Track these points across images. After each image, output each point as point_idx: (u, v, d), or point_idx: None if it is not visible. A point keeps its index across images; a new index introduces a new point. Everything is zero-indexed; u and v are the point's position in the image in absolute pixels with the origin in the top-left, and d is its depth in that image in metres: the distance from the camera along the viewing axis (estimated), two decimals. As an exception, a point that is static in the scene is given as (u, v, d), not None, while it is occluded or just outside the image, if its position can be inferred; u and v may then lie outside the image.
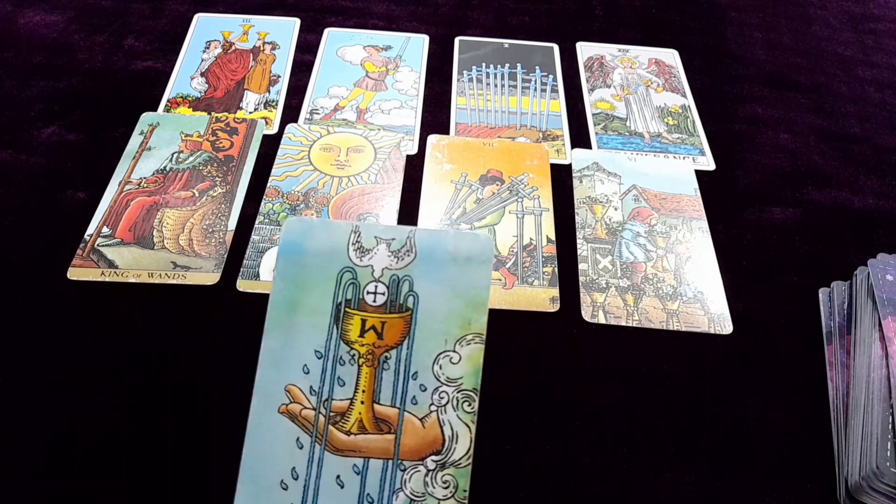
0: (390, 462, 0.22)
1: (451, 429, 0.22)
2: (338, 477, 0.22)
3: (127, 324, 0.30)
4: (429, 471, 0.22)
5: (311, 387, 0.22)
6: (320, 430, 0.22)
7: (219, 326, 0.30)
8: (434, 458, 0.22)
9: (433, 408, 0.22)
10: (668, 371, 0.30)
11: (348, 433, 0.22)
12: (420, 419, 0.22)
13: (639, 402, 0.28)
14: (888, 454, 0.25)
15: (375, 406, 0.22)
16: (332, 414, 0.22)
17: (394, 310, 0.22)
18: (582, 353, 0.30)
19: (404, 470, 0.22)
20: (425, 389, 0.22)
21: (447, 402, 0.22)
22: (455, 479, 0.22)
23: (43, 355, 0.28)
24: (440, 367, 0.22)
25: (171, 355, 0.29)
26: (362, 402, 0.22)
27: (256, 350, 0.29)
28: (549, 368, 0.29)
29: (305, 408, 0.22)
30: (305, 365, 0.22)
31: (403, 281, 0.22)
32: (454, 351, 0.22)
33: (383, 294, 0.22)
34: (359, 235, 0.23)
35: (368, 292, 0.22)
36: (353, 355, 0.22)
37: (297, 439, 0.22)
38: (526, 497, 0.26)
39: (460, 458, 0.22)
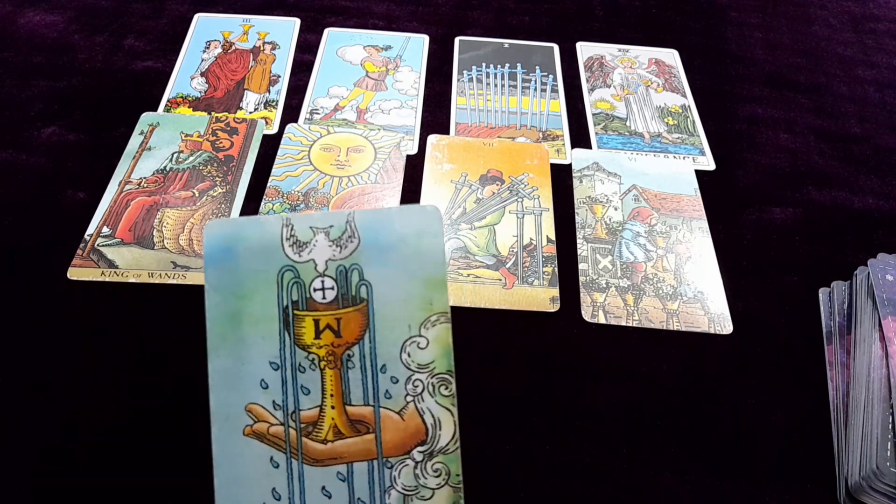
0: (375, 462, 0.21)
1: (433, 416, 0.21)
2: (323, 488, 0.20)
3: (127, 324, 0.30)
4: (417, 462, 0.21)
5: (273, 402, 0.20)
6: (293, 444, 0.20)
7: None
8: (420, 448, 0.21)
9: (409, 398, 0.21)
10: (667, 371, 0.30)
11: (324, 441, 0.20)
12: (398, 412, 0.21)
13: (639, 402, 0.28)
14: (888, 454, 0.25)
15: (348, 408, 0.21)
16: (302, 426, 0.20)
17: (347, 303, 0.20)
18: (582, 353, 0.30)
19: (391, 467, 0.21)
20: (397, 381, 0.21)
21: (423, 390, 0.21)
22: (446, 465, 0.21)
23: (43, 355, 0.28)
24: (408, 355, 0.21)
25: (171, 355, 0.29)
26: (333, 407, 0.20)
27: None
28: (549, 368, 0.29)
29: (272, 424, 0.20)
30: (263, 380, 0.20)
31: (352, 270, 0.20)
32: (420, 335, 0.21)
33: (332, 289, 0.20)
34: (292, 228, 0.20)
35: (315, 289, 0.20)
36: (313, 360, 0.20)
37: (272, 458, 0.20)
38: (526, 497, 0.26)
39: (447, 444, 0.21)
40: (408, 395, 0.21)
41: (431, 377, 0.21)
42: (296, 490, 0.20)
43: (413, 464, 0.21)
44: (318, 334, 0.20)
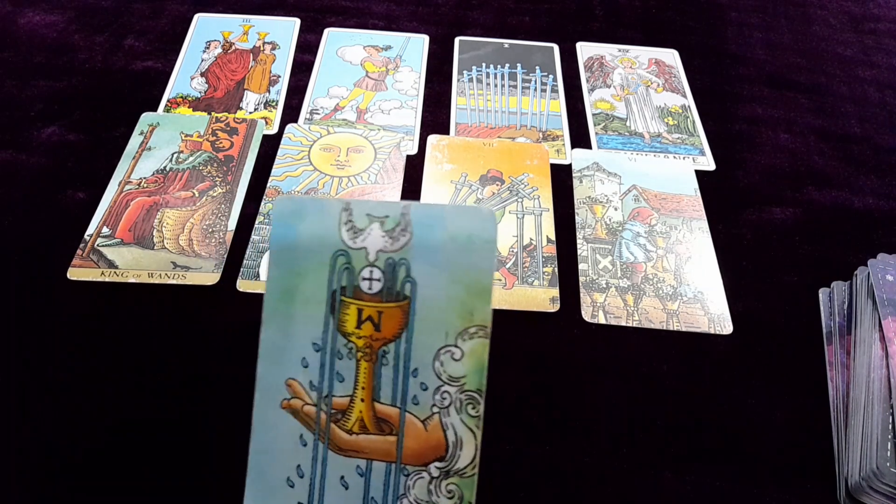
0: (393, 465, 0.21)
1: (455, 434, 0.20)
2: (342, 477, 0.21)
3: (127, 324, 0.30)
4: (432, 478, 0.20)
5: (310, 381, 0.20)
6: (322, 427, 0.21)
7: (219, 327, 0.30)
8: (438, 464, 0.20)
9: (435, 409, 0.20)
10: (667, 371, 0.30)
11: (350, 432, 0.21)
12: (422, 421, 0.20)
13: (639, 403, 0.28)
14: (888, 454, 0.25)
15: (376, 404, 0.21)
16: (333, 411, 0.21)
17: (391, 298, 0.20)
18: (582, 353, 0.30)
19: (408, 475, 0.21)
20: (426, 388, 0.20)
21: (450, 404, 0.20)
22: (460, 489, 0.20)
23: (43, 355, 0.28)
24: (441, 364, 0.20)
25: (170, 355, 0.29)
26: (362, 400, 0.20)
27: (257, 350, 0.29)
28: (549, 368, 0.29)
29: (307, 404, 0.21)
30: (304, 358, 0.20)
31: (400, 265, 0.20)
32: (456, 346, 0.20)
33: (379, 280, 0.20)
34: (350, 213, 0.20)
35: (364, 278, 0.20)
36: (351, 348, 0.20)
37: (301, 436, 0.21)
38: (526, 497, 0.26)
39: (465, 467, 0.20)
40: (434, 405, 0.20)
41: (461, 392, 0.20)
42: (318, 472, 0.21)
43: (428, 478, 0.21)
44: (359, 324, 0.20)
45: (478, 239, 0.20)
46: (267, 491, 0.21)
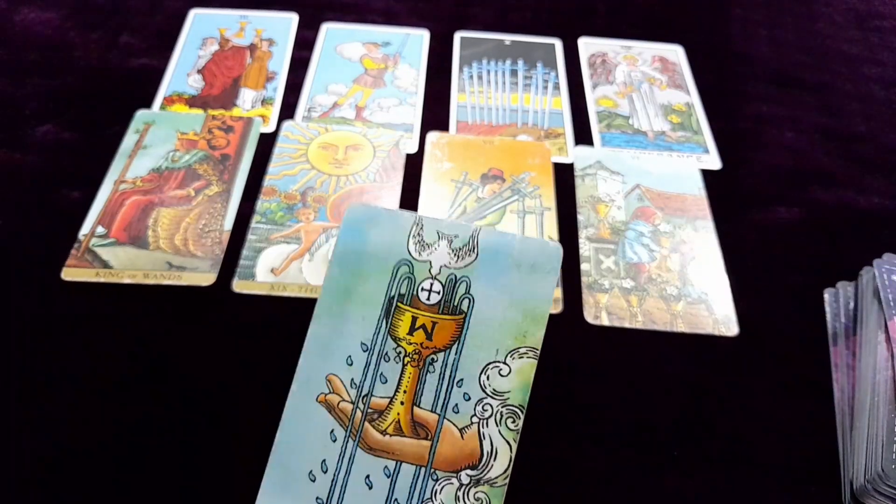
0: (423, 469, 0.21)
1: (491, 444, 0.21)
2: (367, 477, 0.21)
3: (122, 325, 0.29)
4: (462, 485, 0.21)
5: (352, 379, 0.21)
6: (356, 425, 0.21)
7: (215, 327, 0.29)
8: (469, 472, 0.21)
9: (475, 419, 0.21)
10: (672, 373, 0.29)
11: (384, 433, 0.21)
12: (460, 429, 0.21)
13: (642, 405, 0.28)
14: (893, 457, 0.25)
15: (415, 409, 0.21)
16: (369, 410, 0.21)
17: (447, 311, 0.21)
18: (585, 355, 0.30)
19: (437, 480, 0.21)
20: (469, 399, 0.21)
21: (490, 416, 0.21)
22: (488, 497, 0.21)
23: (37, 357, 0.28)
24: (488, 378, 0.21)
25: (166, 356, 0.28)
26: (402, 403, 0.21)
27: (254, 351, 0.29)
28: (552, 371, 0.29)
29: (343, 400, 0.21)
30: (350, 356, 0.21)
31: (461, 282, 0.21)
32: (504, 363, 0.21)
33: (438, 293, 0.21)
34: (421, 228, 0.22)
35: (423, 289, 0.21)
36: (399, 353, 0.21)
37: (332, 431, 0.21)
38: (528, 499, 0.25)
39: (497, 477, 0.21)
40: (475, 415, 0.21)
41: (503, 406, 0.21)
42: (342, 469, 0.21)
43: (458, 484, 0.21)
44: (411, 331, 0.21)
45: (541, 270, 0.21)
46: (286, 483, 0.21)
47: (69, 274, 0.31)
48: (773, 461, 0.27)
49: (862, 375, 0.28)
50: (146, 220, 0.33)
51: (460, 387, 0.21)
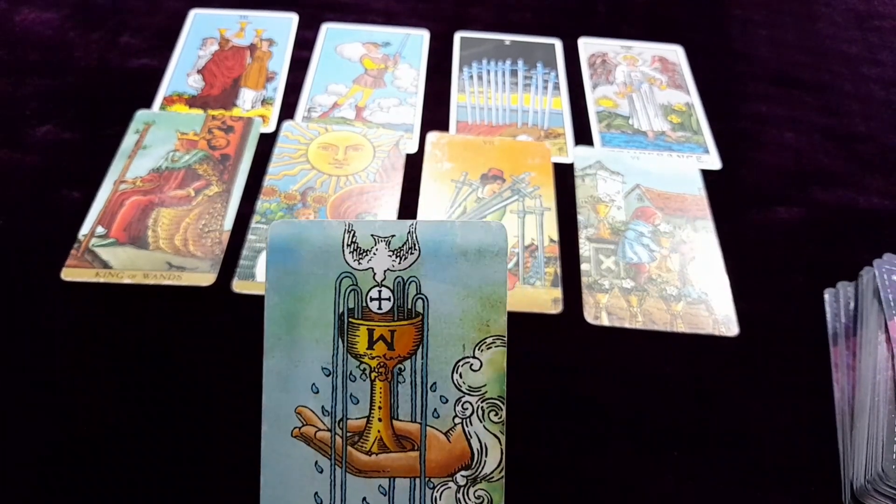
0: (417, 480, 0.20)
1: (479, 441, 0.20)
2: (364, 499, 0.20)
3: (122, 325, 0.29)
4: (459, 487, 0.20)
5: (322, 407, 0.20)
6: (339, 451, 0.20)
7: (214, 327, 0.29)
8: (464, 472, 0.20)
9: (457, 420, 0.20)
10: (671, 373, 0.29)
11: (369, 453, 0.20)
12: (444, 433, 0.20)
13: (642, 405, 0.28)
14: (894, 457, 0.25)
15: (394, 423, 0.20)
16: (349, 434, 0.20)
17: (402, 316, 0.20)
18: (585, 355, 0.30)
19: (433, 487, 0.20)
20: (446, 401, 0.20)
21: (472, 413, 0.20)
22: (489, 493, 0.20)
23: (36, 357, 0.28)
24: (460, 376, 0.20)
25: (166, 357, 0.28)
26: (380, 420, 0.20)
27: (253, 351, 0.29)
28: (551, 371, 0.29)
29: (320, 430, 0.20)
30: (314, 384, 0.20)
31: (409, 283, 0.20)
32: (474, 357, 0.20)
33: (388, 300, 0.20)
34: (353, 235, 0.20)
35: (372, 299, 0.20)
36: (364, 370, 0.20)
37: (316, 463, 0.20)
38: (527, 499, 0.25)
39: (492, 472, 0.20)
40: (456, 416, 0.20)
41: (482, 401, 0.20)
42: (337, 497, 0.20)
43: (455, 487, 0.20)
44: (371, 344, 0.20)
45: (488, 252, 0.20)
46: None
47: (69, 274, 0.31)
48: (773, 461, 0.27)
49: (862, 375, 0.28)
50: (146, 221, 0.33)
51: (434, 391, 0.20)
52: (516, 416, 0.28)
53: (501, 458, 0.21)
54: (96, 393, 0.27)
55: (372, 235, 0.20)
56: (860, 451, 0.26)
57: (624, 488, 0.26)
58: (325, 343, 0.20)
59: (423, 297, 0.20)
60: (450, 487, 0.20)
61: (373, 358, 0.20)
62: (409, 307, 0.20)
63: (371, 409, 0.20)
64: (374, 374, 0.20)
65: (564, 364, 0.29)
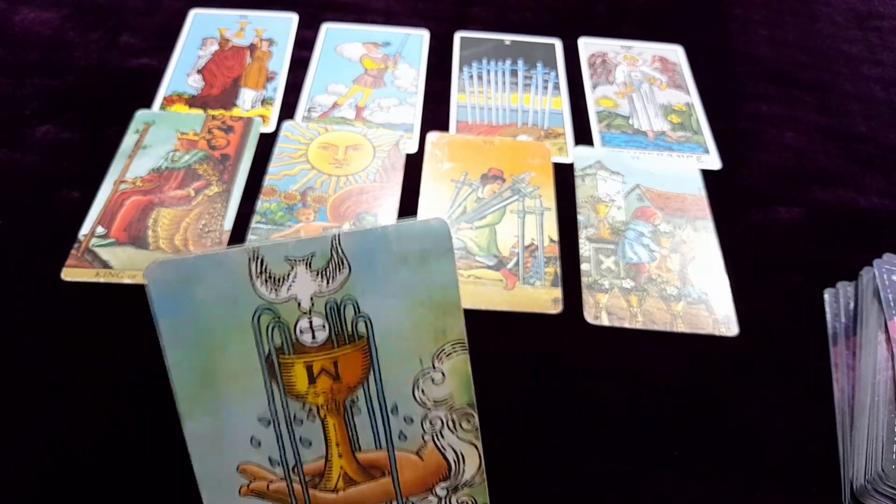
0: (395, 503, 0.19)
1: (454, 452, 0.19)
2: None
3: (122, 325, 0.29)
4: (440, 498, 0.19)
5: (269, 458, 0.18)
6: (299, 498, 0.18)
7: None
8: (443, 484, 0.19)
9: (427, 437, 0.19)
10: (671, 373, 0.29)
11: (335, 490, 0.18)
12: (416, 452, 0.19)
13: (642, 405, 0.28)
14: (893, 457, 0.25)
15: (358, 455, 0.18)
16: (307, 479, 0.18)
17: (343, 342, 0.18)
18: (585, 355, 0.30)
19: None
20: (411, 421, 0.18)
21: (442, 427, 0.19)
22: (472, 497, 0.20)
23: (37, 357, 0.28)
24: (423, 392, 0.18)
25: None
26: (340, 456, 0.18)
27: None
28: (551, 371, 0.29)
29: (272, 481, 0.18)
30: (252, 437, 0.18)
31: (344, 304, 0.17)
32: (434, 369, 0.18)
33: (323, 328, 0.17)
34: (261, 262, 0.17)
35: (302, 331, 0.17)
36: (311, 409, 0.18)
37: None
38: (527, 499, 0.25)
39: (472, 478, 0.19)
40: (425, 433, 0.19)
41: (451, 412, 0.19)
42: None
43: (436, 500, 0.19)
44: (312, 381, 0.18)
45: (432, 255, 0.17)
46: None
47: (69, 274, 0.31)
48: (773, 461, 0.27)
49: (862, 375, 0.28)
50: (146, 220, 0.33)
51: (396, 413, 0.18)
52: (516, 415, 0.28)
53: (480, 462, 0.19)
54: (96, 392, 0.27)
55: (286, 259, 0.17)
56: (860, 450, 0.26)
57: (624, 488, 0.26)
58: (256, 391, 0.17)
59: (363, 316, 0.18)
60: (431, 501, 0.19)
61: (317, 395, 0.18)
62: (350, 331, 0.18)
63: (327, 447, 0.18)
64: (322, 412, 0.18)
65: (564, 363, 0.29)
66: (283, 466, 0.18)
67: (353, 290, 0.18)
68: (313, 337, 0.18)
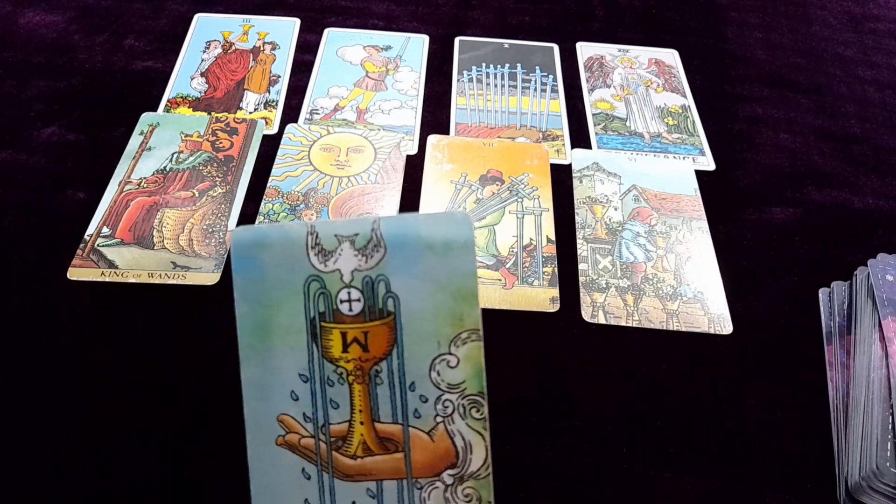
0: (405, 482, 0.20)
1: (463, 439, 0.20)
2: (353, 503, 0.20)
3: (127, 324, 0.30)
4: (447, 486, 0.20)
5: (304, 413, 0.20)
6: (324, 457, 0.20)
7: (219, 326, 0.30)
8: (450, 472, 0.20)
9: (438, 419, 0.20)
10: (667, 371, 0.30)
11: (354, 457, 0.20)
12: (427, 433, 0.20)
13: (638, 403, 0.28)
14: (888, 454, 0.25)
15: (376, 425, 0.20)
16: (332, 439, 0.20)
17: (374, 317, 0.20)
18: (582, 353, 0.30)
19: (421, 488, 0.20)
20: (426, 400, 0.20)
21: (453, 411, 0.20)
22: (477, 491, 0.20)
23: (43, 356, 0.28)
24: (438, 374, 0.20)
25: (170, 356, 0.29)
26: (361, 423, 0.20)
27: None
28: (549, 369, 0.29)
29: (303, 436, 0.20)
30: (293, 391, 0.20)
31: (378, 282, 0.19)
32: (450, 353, 0.20)
33: (359, 301, 0.19)
34: (317, 237, 0.19)
35: (342, 301, 0.19)
36: (341, 374, 0.20)
37: (303, 469, 0.20)
38: (525, 498, 0.26)
39: (478, 469, 0.20)
40: (437, 415, 0.20)
41: (462, 398, 0.20)
42: (327, 503, 0.20)
43: (443, 487, 0.20)
44: (345, 348, 0.20)
45: (455, 244, 0.19)
46: None
47: (75, 274, 0.31)
48: (769, 459, 0.27)
49: (856, 374, 0.28)
50: (151, 221, 0.34)
51: (414, 390, 0.20)
52: (515, 413, 0.28)
53: (487, 456, 0.20)
54: (102, 391, 0.27)
55: (335, 235, 0.20)
56: (855, 448, 0.26)
57: (619, 485, 0.26)
58: (300, 349, 0.20)
59: (393, 295, 0.20)
60: (437, 487, 0.20)
61: (348, 361, 0.20)
62: (381, 306, 0.20)
63: (352, 412, 0.20)
64: (351, 378, 0.20)
65: (561, 361, 0.30)
66: (314, 423, 0.20)
67: (386, 269, 0.20)
68: (350, 308, 0.20)
